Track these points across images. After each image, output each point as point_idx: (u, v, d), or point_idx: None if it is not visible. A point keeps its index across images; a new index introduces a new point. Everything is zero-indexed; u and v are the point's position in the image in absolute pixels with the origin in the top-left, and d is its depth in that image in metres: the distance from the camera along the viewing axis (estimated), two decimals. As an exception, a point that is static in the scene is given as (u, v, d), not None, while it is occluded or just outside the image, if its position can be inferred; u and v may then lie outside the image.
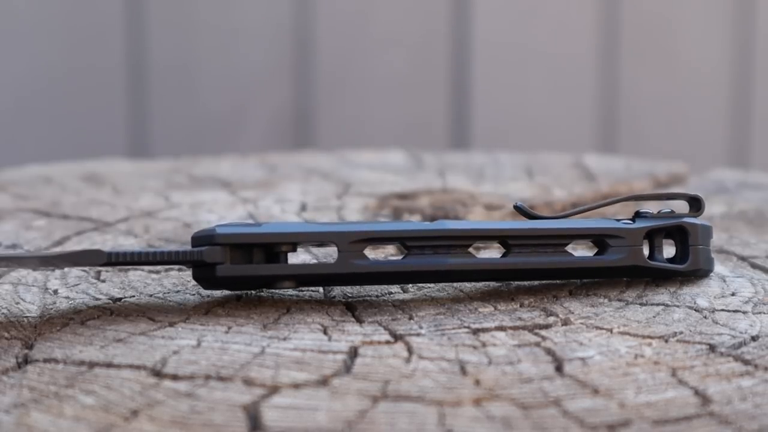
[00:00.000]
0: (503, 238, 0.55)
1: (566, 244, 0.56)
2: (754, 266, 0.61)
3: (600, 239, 0.56)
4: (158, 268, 0.59)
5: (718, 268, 0.60)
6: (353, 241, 0.53)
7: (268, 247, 0.53)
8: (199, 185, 0.80)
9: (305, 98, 1.34)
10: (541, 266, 0.55)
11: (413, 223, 0.56)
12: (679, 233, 0.58)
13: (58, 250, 0.61)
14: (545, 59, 1.40)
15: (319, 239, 0.54)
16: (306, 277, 0.54)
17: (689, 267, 0.57)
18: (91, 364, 0.46)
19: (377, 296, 0.55)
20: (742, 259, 0.62)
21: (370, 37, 1.36)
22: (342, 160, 0.90)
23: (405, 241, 0.54)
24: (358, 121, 1.36)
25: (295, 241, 0.54)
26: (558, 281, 0.57)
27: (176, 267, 0.59)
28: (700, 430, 0.42)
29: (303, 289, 0.56)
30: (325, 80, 1.35)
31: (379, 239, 0.54)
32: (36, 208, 0.72)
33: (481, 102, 1.39)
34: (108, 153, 1.15)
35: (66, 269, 0.59)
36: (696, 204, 0.58)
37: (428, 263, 0.54)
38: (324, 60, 1.34)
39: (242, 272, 0.53)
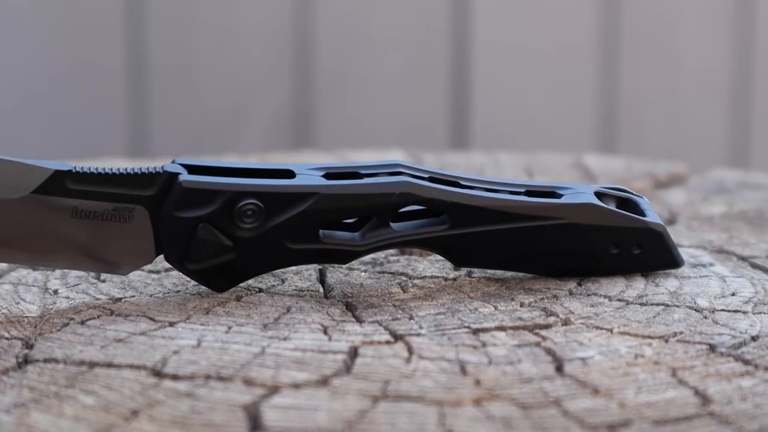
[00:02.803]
0: (457, 179, 0.55)
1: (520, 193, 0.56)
2: (754, 266, 0.61)
3: (552, 191, 0.56)
4: (158, 267, 0.59)
5: (718, 268, 0.60)
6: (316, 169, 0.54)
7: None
8: (199, 185, 0.80)
9: (305, 98, 1.34)
10: (499, 205, 0.55)
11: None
12: (628, 207, 0.58)
13: None
14: (545, 59, 1.40)
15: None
16: (269, 196, 0.53)
17: (650, 221, 0.57)
18: (91, 364, 0.46)
19: (377, 296, 0.55)
20: (742, 259, 0.62)
21: (370, 37, 1.36)
22: (342, 160, 0.90)
23: (362, 169, 0.55)
24: (358, 121, 1.36)
25: (255, 175, 0.54)
26: (558, 278, 0.57)
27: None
28: (700, 430, 0.42)
29: (303, 289, 0.56)
30: (325, 80, 1.35)
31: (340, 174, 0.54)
32: (36, 208, 0.72)
33: (481, 102, 1.39)
34: (108, 153, 1.15)
35: (66, 269, 0.59)
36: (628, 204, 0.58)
37: (386, 181, 0.54)
38: (324, 60, 1.34)
39: (205, 185, 0.52)
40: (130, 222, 0.53)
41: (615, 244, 0.57)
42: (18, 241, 0.53)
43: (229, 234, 0.53)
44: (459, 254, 0.56)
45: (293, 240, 0.54)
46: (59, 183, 0.52)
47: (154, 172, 0.53)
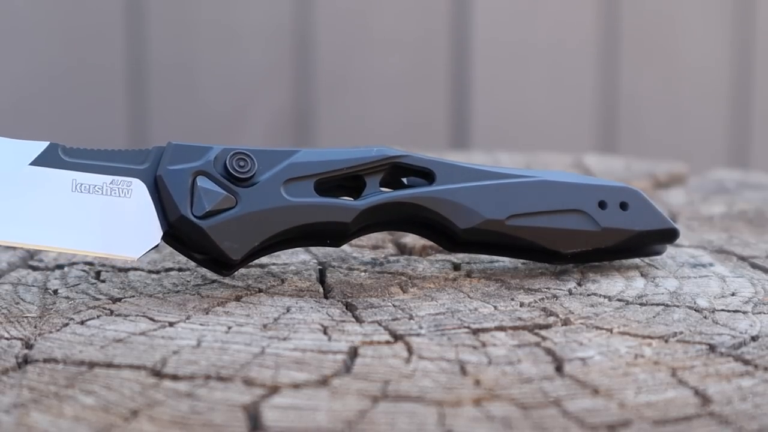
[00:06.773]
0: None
1: None
2: (754, 266, 0.61)
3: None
4: (158, 268, 0.59)
5: (718, 268, 0.60)
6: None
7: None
8: (199, 185, 0.80)
9: (305, 98, 1.34)
10: (478, 167, 0.57)
11: None
12: None
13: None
14: (545, 59, 1.40)
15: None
16: (256, 152, 0.55)
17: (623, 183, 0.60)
18: (91, 364, 0.46)
19: (377, 296, 0.55)
20: (742, 259, 0.62)
21: (370, 37, 1.36)
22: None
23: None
24: (358, 120, 1.36)
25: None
26: (549, 264, 0.57)
27: (176, 267, 0.59)
28: (700, 430, 0.42)
29: (302, 289, 0.56)
30: (325, 80, 1.35)
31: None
32: (36, 208, 0.72)
33: (481, 102, 1.39)
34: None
35: (66, 269, 0.59)
36: None
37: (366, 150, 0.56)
38: (324, 60, 1.34)
39: (193, 144, 0.55)
40: (129, 197, 0.53)
41: (601, 204, 0.58)
42: (23, 216, 0.53)
43: (228, 189, 0.54)
44: (452, 216, 0.56)
45: (291, 194, 0.55)
46: (55, 155, 0.54)
47: (145, 150, 0.55)
